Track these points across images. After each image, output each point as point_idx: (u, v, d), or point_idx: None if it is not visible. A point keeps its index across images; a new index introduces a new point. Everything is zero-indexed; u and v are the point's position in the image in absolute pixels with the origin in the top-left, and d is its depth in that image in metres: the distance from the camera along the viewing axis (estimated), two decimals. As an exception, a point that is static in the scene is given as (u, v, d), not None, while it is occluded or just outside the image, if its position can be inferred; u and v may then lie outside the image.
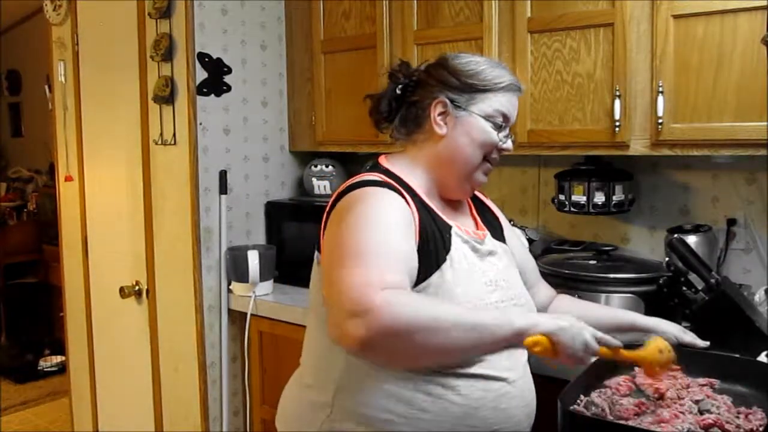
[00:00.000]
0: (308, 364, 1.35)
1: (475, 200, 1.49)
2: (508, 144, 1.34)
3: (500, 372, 1.22)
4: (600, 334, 1.11)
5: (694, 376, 1.33)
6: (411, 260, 1.16)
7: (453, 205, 1.38)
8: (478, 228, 1.40)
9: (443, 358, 1.13)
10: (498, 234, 1.45)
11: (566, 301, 1.59)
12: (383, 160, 1.37)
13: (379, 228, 1.14)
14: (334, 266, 1.10)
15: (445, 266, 1.23)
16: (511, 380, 1.24)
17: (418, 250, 1.20)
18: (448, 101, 1.30)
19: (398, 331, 1.00)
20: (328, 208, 1.27)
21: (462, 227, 1.33)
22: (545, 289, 1.58)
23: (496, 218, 1.51)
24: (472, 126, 1.30)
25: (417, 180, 1.32)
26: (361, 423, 1.20)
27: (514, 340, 1.06)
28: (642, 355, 1.20)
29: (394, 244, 1.13)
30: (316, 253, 1.32)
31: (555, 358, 1.05)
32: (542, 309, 1.53)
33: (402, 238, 1.16)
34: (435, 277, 1.21)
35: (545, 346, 1.03)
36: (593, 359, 1.11)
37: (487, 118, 1.30)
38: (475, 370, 1.20)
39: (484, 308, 1.23)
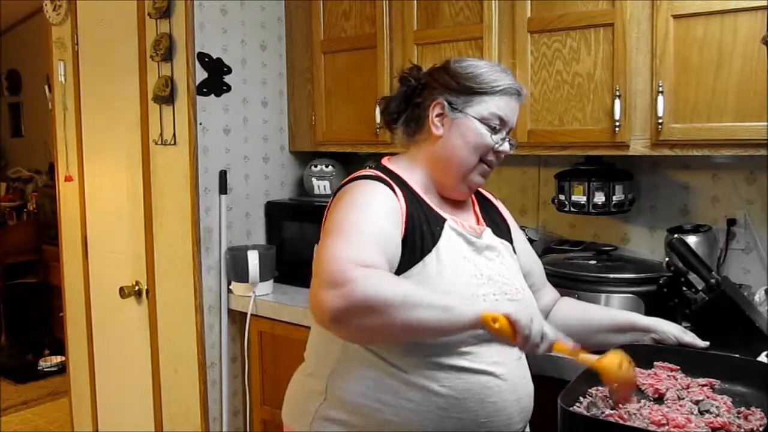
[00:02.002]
0: (309, 354, 1.40)
1: (481, 198, 1.51)
2: (505, 146, 1.35)
3: (488, 366, 1.24)
4: (560, 334, 1.13)
5: (694, 376, 1.33)
6: (392, 244, 1.21)
7: (453, 201, 1.40)
8: (478, 224, 1.41)
9: (410, 335, 1.16)
10: (502, 233, 1.46)
11: (567, 302, 1.59)
12: (385, 160, 1.41)
13: (362, 211, 1.20)
14: (319, 243, 1.16)
15: (429, 258, 1.25)
16: (499, 374, 1.25)
17: (403, 240, 1.23)
18: (445, 103, 1.33)
19: (371, 305, 1.04)
20: (328, 207, 1.30)
21: (458, 221, 1.35)
22: (550, 293, 1.59)
23: (503, 218, 1.52)
24: (467, 128, 1.32)
25: (415, 177, 1.35)
26: (351, 411, 1.25)
27: (478, 323, 1.08)
28: (599, 364, 1.18)
29: (375, 226, 1.18)
30: (316, 247, 1.34)
31: (512, 339, 1.08)
32: (545, 312, 1.53)
33: (385, 223, 1.21)
34: (417, 268, 1.24)
35: (503, 323, 1.06)
36: (549, 352, 1.12)
37: (483, 120, 1.32)
38: (459, 362, 1.22)
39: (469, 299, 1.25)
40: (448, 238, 1.30)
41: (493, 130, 1.32)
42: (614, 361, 1.17)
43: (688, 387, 1.29)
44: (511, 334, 1.07)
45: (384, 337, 1.16)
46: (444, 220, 1.32)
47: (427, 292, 1.13)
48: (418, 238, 1.25)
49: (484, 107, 1.32)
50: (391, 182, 1.28)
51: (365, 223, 1.17)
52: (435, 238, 1.28)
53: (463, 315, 1.07)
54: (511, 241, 1.47)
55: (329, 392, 1.28)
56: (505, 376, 1.26)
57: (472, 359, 1.23)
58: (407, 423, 1.21)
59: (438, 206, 1.35)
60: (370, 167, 1.37)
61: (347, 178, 1.32)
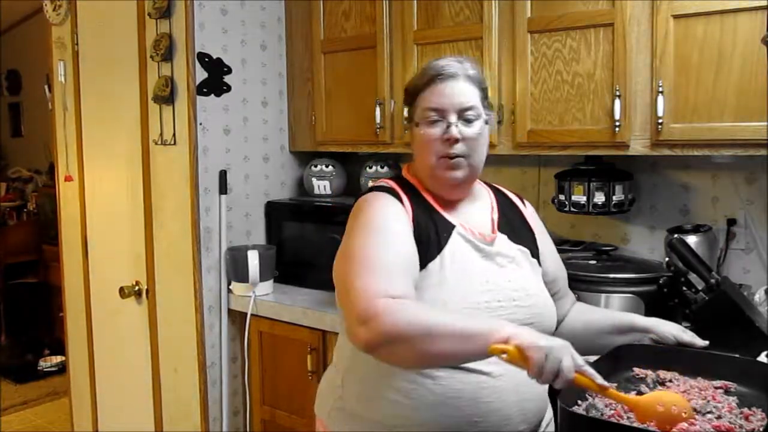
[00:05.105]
0: (335, 349, 1.47)
1: (505, 203, 1.48)
2: (451, 132, 1.31)
3: (483, 366, 1.23)
4: (587, 368, 1.06)
5: (693, 377, 1.32)
6: (415, 261, 1.25)
7: (465, 205, 1.40)
8: (492, 231, 1.39)
9: (437, 362, 1.19)
10: (521, 239, 1.42)
11: (575, 307, 1.57)
12: (404, 169, 1.46)
13: (380, 236, 1.24)
14: (345, 275, 1.21)
15: (432, 265, 1.28)
16: (495, 375, 1.24)
17: None
18: (405, 115, 1.42)
19: (395, 338, 1.09)
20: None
21: (467, 227, 1.35)
22: (570, 302, 1.57)
23: (526, 224, 1.48)
24: (416, 133, 1.37)
25: (423, 184, 1.39)
26: (363, 405, 1.32)
27: (488, 354, 1.07)
28: (634, 401, 1.10)
29: (397, 250, 1.23)
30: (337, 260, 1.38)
31: (527, 369, 1.04)
32: (562, 319, 1.52)
33: (405, 242, 1.25)
34: (420, 275, 1.26)
35: (512, 355, 1.03)
36: (570, 386, 1.06)
37: (423, 120, 1.34)
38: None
39: (475, 308, 1.26)
40: (454, 244, 1.31)
41: (434, 124, 1.32)
42: (653, 401, 1.09)
43: (700, 390, 1.27)
44: (524, 365, 1.04)
45: (414, 364, 1.20)
46: (453, 226, 1.33)
47: (450, 318, 1.12)
48: (424, 246, 1.28)
49: (421, 107, 1.35)
50: (400, 192, 1.33)
51: (387, 250, 1.21)
52: (441, 245, 1.30)
53: (479, 345, 1.06)
54: (533, 246, 1.44)
55: (345, 386, 1.36)
56: (503, 378, 1.25)
57: None
58: (408, 418, 1.25)
59: (448, 213, 1.36)
60: (384, 171, 1.42)
61: (366, 190, 1.38)
